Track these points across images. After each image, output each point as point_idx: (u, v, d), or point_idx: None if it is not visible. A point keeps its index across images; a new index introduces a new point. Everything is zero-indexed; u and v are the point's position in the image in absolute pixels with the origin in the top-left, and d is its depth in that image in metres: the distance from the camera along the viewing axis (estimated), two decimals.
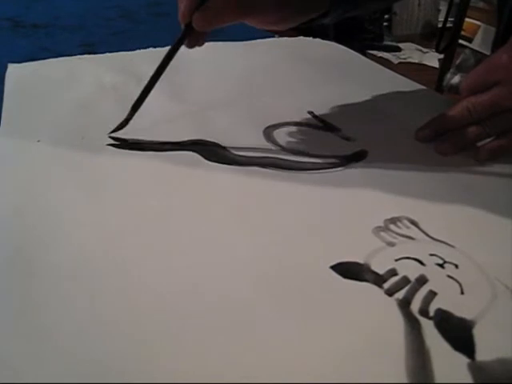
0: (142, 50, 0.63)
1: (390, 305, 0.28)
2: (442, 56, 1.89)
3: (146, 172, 0.40)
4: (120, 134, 0.44)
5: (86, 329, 0.26)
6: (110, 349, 0.25)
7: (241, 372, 0.25)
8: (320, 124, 0.49)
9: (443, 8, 2.38)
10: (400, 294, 0.29)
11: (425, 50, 2.43)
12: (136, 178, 0.39)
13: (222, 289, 0.29)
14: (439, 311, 0.28)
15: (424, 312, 0.28)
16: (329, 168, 0.42)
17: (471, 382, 0.24)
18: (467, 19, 1.87)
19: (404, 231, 0.34)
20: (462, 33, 1.90)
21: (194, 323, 0.27)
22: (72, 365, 0.24)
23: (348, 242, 0.33)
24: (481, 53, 1.83)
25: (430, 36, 2.52)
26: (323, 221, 0.35)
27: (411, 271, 0.31)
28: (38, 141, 0.43)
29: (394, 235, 0.34)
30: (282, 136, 0.46)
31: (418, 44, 2.50)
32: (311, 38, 0.74)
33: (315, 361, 0.25)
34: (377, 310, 0.28)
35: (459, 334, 0.27)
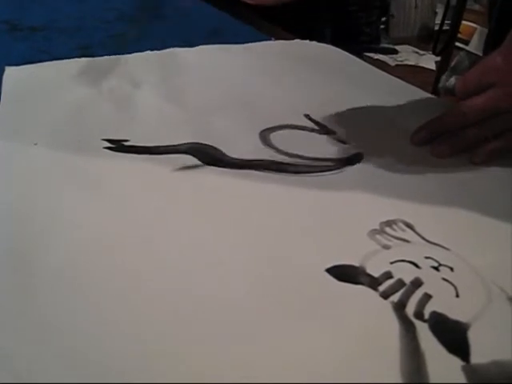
0: (139, 53, 0.63)
1: (385, 307, 0.29)
2: (438, 58, 1.90)
3: (143, 175, 0.40)
4: (116, 137, 0.44)
5: (86, 329, 0.26)
6: (110, 349, 0.25)
7: (237, 373, 0.25)
8: (316, 127, 0.49)
9: (440, 11, 2.39)
10: (395, 297, 0.29)
11: (421, 52, 2.44)
12: (132, 181, 0.39)
13: (218, 291, 0.29)
14: (434, 314, 0.28)
15: (419, 315, 0.28)
16: (324, 171, 0.42)
17: None
18: (464, 22, 1.87)
19: (399, 234, 0.35)
20: (459, 35, 1.91)
21: (193, 324, 0.27)
22: (72, 365, 0.24)
23: (343, 245, 0.33)
24: (476, 55, 1.83)
25: (426, 38, 2.53)
26: (318, 224, 0.36)
27: (406, 274, 0.31)
28: (35, 144, 0.43)
29: (390, 238, 0.34)
30: (278, 139, 0.46)
31: (414, 46, 2.51)
32: (308, 41, 0.74)
33: (310, 363, 0.25)
34: (372, 312, 0.28)
35: (454, 336, 0.27)
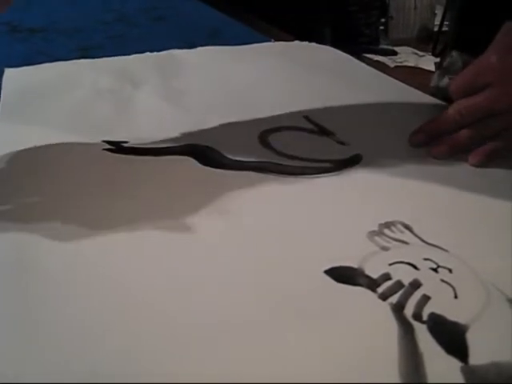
0: (138, 55, 0.63)
1: (384, 309, 0.29)
2: (438, 59, 1.90)
3: (142, 176, 0.40)
4: (116, 139, 0.44)
5: (85, 331, 0.26)
6: (109, 350, 0.25)
7: (238, 373, 0.25)
8: (315, 128, 0.49)
9: (439, 12, 2.39)
10: (394, 299, 0.29)
11: (421, 53, 2.44)
12: (131, 182, 0.39)
13: (217, 292, 0.29)
14: (433, 315, 0.28)
15: (417, 316, 0.28)
16: (323, 172, 0.42)
17: None
18: None
19: (398, 236, 0.35)
20: None
21: (193, 325, 0.27)
22: (70, 366, 0.25)
23: (342, 247, 0.33)
24: (469, 55, 1.83)
25: (426, 39, 2.52)
26: (317, 225, 0.36)
27: (405, 275, 0.31)
28: (35, 145, 0.43)
29: (388, 240, 0.34)
30: (277, 140, 0.46)
31: (414, 48, 2.51)
32: (307, 43, 0.74)
33: (309, 364, 0.25)
34: (370, 314, 0.28)
35: (452, 337, 0.27)
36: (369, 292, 0.30)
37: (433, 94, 0.56)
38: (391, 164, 0.43)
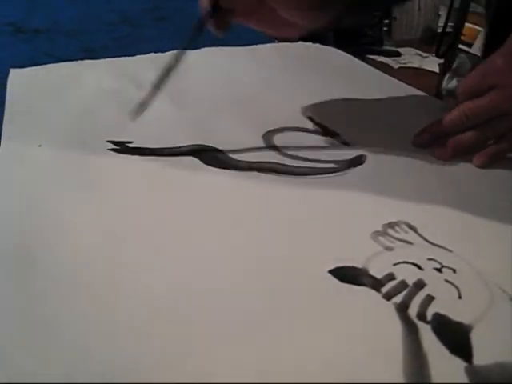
0: (142, 55, 0.63)
1: (388, 309, 0.29)
2: (441, 61, 1.89)
3: (147, 177, 0.40)
4: (121, 139, 0.44)
5: (88, 329, 0.27)
6: (111, 349, 0.26)
7: (240, 373, 0.25)
8: (319, 129, 0.49)
9: (443, 13, 2.39)
10: (398, 298, 0.29)
11: (425, 54, 2.43)
12: (136, 183, 0.39)
13: (220, 292, 0.29)
14: (437, 315, 0.28)
15: (421, 316, 0.28)
16: (327, 173, 0.42)
17: None
18: (467, 24, 1.87)
19: (402, 236, 0.35)
20: (462, 38, 1.90)
21: (196, 325, 0.27)
22: (73, 365, 0.25)
23: (346, 247, 0.33)
24: (479, 57, 1.83)
25: (429, 41, 2.52)
26: (321, 225, 0.36)
27: (409, 275, 0.31)
28: (40, 145, 0.43)
29: (392, 240, 0.34)
30: (281, 141, 0.46)
31: (417, 49, 2.51)
32: (311, 44, 0.74)
33: (312, 364, 0.25)
34: (375, 314, 0.28)
35: (456, 337, 0.27)
36: (373, 292, 0.30)
37: (441, 96, 0.56)
38: (395, 164, 0.44)
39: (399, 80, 0.63)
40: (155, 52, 0.63)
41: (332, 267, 0.31)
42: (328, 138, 0.48)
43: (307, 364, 0.25)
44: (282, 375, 0.25)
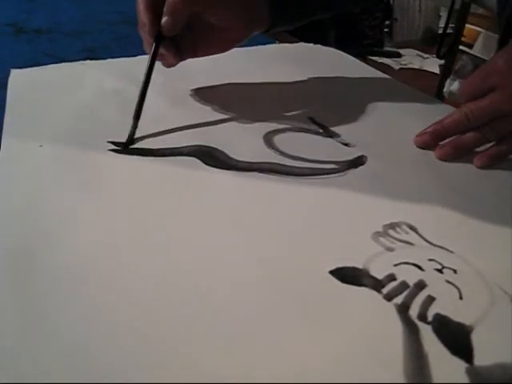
0: (143, 56, 0.63)
1: (389, 309, 0.29)
2: (442, 62, 1.89)
3: (147, 177, 0.40)
4: (121, 140, 0.44)
5: (88, 329, 0.27)
6: (112, 349, 0.26)
7: (240, 373, 0.25)
8: (320, 130, 0.49)
9: (444, 14, 2.39)
10: (399, 299, 0.29)
11: (425, 55, 2.44)
12: (137, 183, 0.39)
13: (221, 292, 0.29)
14: (437, 316, 0.28)
15: (422, 317, 0.28)
16: (328, 173, 0.42)
17: None
18: (468, 25, 1.87)
19: (403, 236, 0.35)
20: (463, 39, 1.90)
21: (196, 325, 0.27)
22: (74, 365, 0.25)
23: (347, 247, 0.33)
24: (480, 58, 1.83)
25: (430, 42, 2.52)
26: (322, 226, 0.36)
27: (410, 276, 0.31)
28: (41, 146, 0.43)
29: (393, 240, 0.34)
30: (282, 141, 0.46)
31: (418, 50, 2.51)
32: (312, 44, 0.74)
33: (313, 364, 0.25)
34: (375, 314, 0.28)
35: (457, 338, 0.27)
36: (374, 293, 0.30)
37: (442, 97, 0.56)
38: (395, 165, 0.44)
39: (400, 81, 0.63)
40: None
41: (332, 268, 0.31)
42: (329, 139, 0.47)
43: (307, 364, 0.25)
44: (282, 375, 0.25)
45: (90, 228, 0.34)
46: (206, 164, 0.42)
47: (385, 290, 0.30)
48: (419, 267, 0.32)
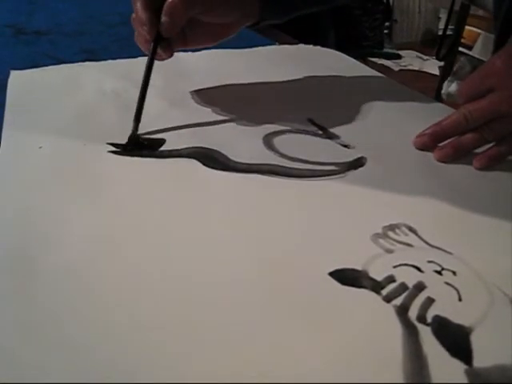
0: (143, 57, 0.63)
1: (388, 311, 0.29)
2: (442, 63, 1.90)
3: (146, 178, 0.40)
4: (121, 141, 0.44)
5: (88, 329, 0.27)
6: (111, 349, 0.26)
7: (240, 373, 0.25)
8: (319, 131, 0.49)
9: (443, 16, 2.39)
10: (398, 301, 0.29)
11: (425, 57, 2.44)
12: (136, 185, 0.39)
13: (221, 293, 0.29)
14: (437, 318, 0.28)
15: (422, 318, 0.28)
16: (328, 175, 0.42)
17: None
18: (467, 27, 1.88)
19: (402, 238, 0.35)
20: (462, 40, 1.91)
21: (195, 326, 0.27)
22: (74, 365, 0.25)
23: (346, 249, 0.33)
24: (479, 60, 1.83)
25: (430, 43, 2.53)
26: (321, 227, 0.36)
27: (409, 278, 0.31)
28: (40, 147, 0.43)
29: (393, 242, 0.34)
30: (281, 143, 0.46)
31: (418, 51, 2.51)
32: (311, 46, 0.74)
33: (312, 365, 0.25)
34: (375, 316, 0.28)
35: (456, 340, 0.27)
36: (373, 294, 0.30)
37: (442, 99, 0.56)
38: (395, 167, 0.44)
39: (399, 82, 0.63)
40: None
41: (332, 269, 0.31)
42: (328, 141, 0.47)
43: (306, 365, 0.25)
44: (282, 376, 0.25)
45: (89, 228, 0.34)
46: (206, 165, 0.42)
47: (384, 292, 0.30)
48: (418, 269, 0.32)
